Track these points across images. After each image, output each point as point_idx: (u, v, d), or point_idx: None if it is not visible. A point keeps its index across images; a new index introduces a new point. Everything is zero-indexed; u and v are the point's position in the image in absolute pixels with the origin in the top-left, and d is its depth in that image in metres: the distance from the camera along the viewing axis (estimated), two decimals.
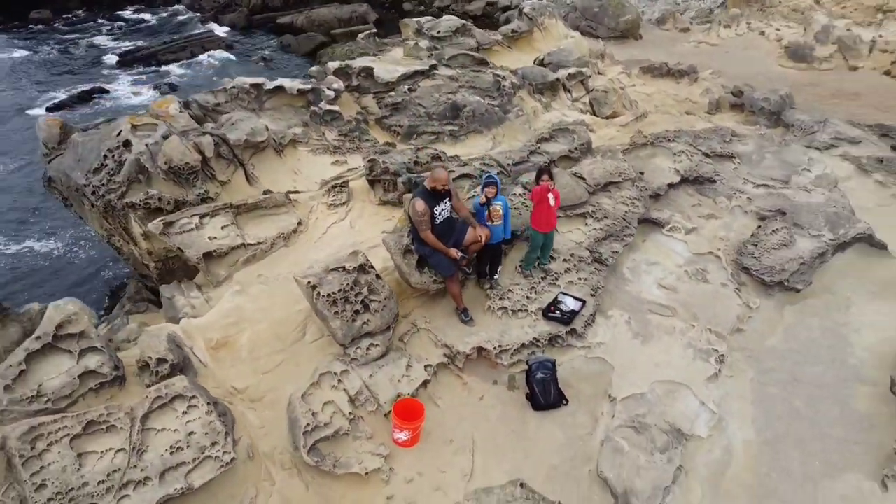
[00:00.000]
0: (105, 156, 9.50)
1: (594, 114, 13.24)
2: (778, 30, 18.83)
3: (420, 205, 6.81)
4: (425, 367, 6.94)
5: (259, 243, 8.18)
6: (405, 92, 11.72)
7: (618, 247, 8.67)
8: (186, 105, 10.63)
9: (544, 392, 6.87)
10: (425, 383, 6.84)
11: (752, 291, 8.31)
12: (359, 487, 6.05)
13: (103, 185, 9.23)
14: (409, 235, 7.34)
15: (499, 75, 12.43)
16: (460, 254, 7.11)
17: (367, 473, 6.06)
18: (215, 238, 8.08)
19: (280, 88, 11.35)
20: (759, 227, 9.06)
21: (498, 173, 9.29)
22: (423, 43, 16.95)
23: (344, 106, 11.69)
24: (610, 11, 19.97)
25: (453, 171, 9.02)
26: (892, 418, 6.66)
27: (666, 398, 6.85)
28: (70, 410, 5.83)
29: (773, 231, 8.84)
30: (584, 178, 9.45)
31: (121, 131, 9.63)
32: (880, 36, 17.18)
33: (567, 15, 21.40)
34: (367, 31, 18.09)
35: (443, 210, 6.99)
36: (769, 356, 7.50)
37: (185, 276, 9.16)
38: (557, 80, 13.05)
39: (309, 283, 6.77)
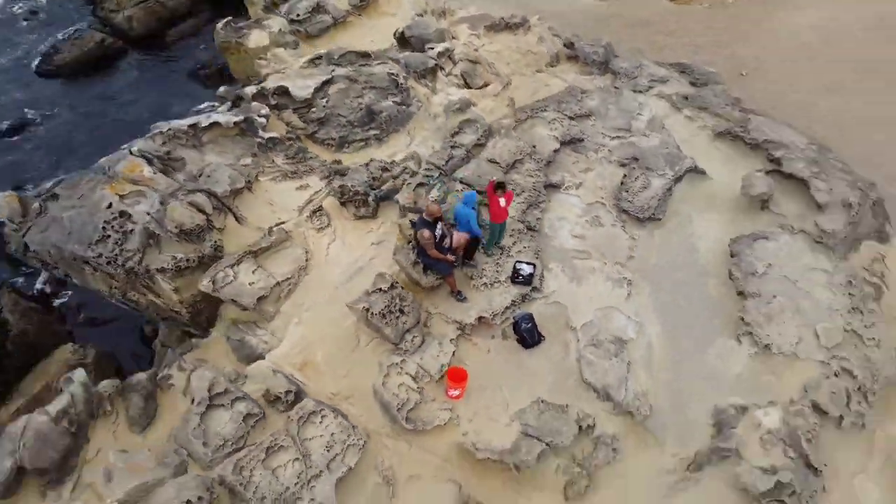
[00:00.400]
0: (104, 228, 10.83)
1: (468, 86, 15.92)
2: None
3: (426, 233, 9.48)
4: (450, 340, 9.91)
5: (288, 278, 10.38)
6: (324, 106, 13.60)
7: (538, 213, 11.90)
8: (147, 160, 11.83)
9: (530, 335, 10.13)
10: (454, 353, 9.85)
11: (633, 226, 11.98)
12: (443, 435, 9.09)
13: (116, 254, 10.64)
14: (414, 251, 10.03)
15: (392, 73, 14.57)
16: (454, 256, 9.96)
17: (445, 424, 9.10)
18: (254, 283, 10.17)
19: (216, 124, 12.78)
20: (625, 175, 12.65)
21: (438, 175, 11.99)
22: (281, 22, 18.31)
23: (272, 127, 13.41)
24: None
25: (409, 182, 11.61)
26: (733, 297, 10.77)
27: (605, 320, 10.43)
28: (248, 445, 8.20)
29: (635, 178, 12.49)
30: (497, 162, 12.42)
31: (111, 203, 10.95)
32: None
33: None
34: (225, 21, 18.77)
35: (438, 231, 9.70)
36: (654, 273, 11.29)
37: (210, 313, 11.15)
38: (436, 64, 15.45)
39: (363, 307, 9.35)
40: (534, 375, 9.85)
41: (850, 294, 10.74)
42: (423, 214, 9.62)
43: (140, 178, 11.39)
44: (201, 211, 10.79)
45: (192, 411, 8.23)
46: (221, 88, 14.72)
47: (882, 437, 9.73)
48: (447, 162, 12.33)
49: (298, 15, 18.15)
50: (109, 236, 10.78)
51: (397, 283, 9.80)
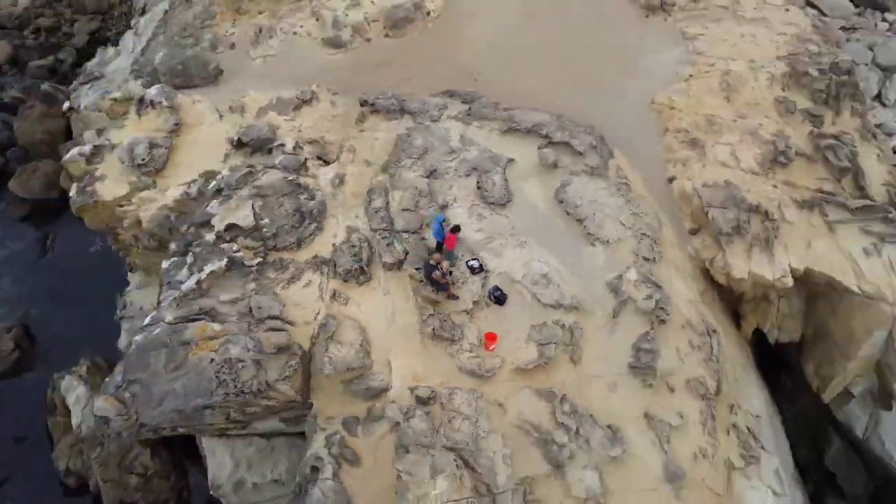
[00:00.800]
0: (218, 376, 14.97)
1: (326, 162, 21.07)
2: (305, 29, 27.20)
3: (437, 273, 15.74)
4: (469, 322, 16.46)
5: (363, 340, 15.74)
6: (270, 224, 18.00)
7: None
8: (209, 317, 15.61)
9: (502, 297, 17.11)
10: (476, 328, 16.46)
11: (501, 210, 19.23)
12: (503, 370, 15.81)
13: (240, 388, 14.90)
14: (427, 284, 16.20)
15: (286, 178, 19.20)
16: (448, 277, 16.35)
17: (501, 364, 15.82)
18: (349, 353, 15.36)
19: (211, 272, 16.71)
20: (477, 181, 19.74)
21: (390, 235, 17.85)
22: (119, 167, 21.38)
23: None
24: (194, 65, 25.42)
25: (382, 247, 17.37)
26: (575, 224, 18.80)
27: (529, 269, 17.73)
28: (438, 426, 14.10)
29: (485, 181, 19.67)
30: (409, 209, 18.64)
31: (212, 359, 15.04)
32: (374, 3, 27.17)
33: (152, 75, 25.99)
34: (74, 187, 20.93)
35: (440, 270, 15.95)
36: (529, 231, 18.74)
37: (307, 390, 16.00)
38: (305, 158, 20.31)
39: (432, 329, 15.47)
40: (516, 316, 16.93)
41: (621, 195, 19.51)
42: (431, 261, 15.84)
43: (215, 333, 15.45)
44: (282, 330, 15.47)
45: (402, 428, 13.84)
46: (173, 245, 18.21)
47: (669, 257, 18.83)
48: (382, 222, 18.22)
49: (143, 159, 21.31)
50: (225, 380, 15.00)
51: (439, 311, 16.03)
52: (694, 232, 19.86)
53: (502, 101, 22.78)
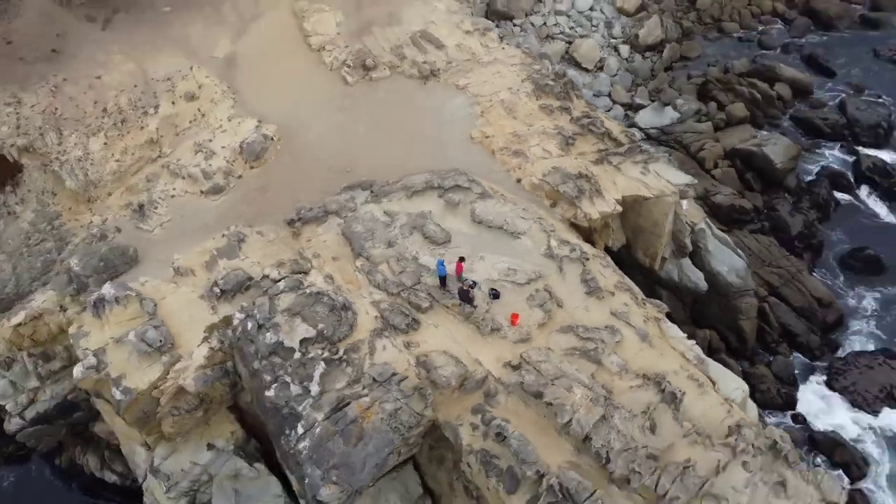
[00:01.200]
0: (391, 426, 21.02)
1: (305, 273, 26.52)
2: (179, 189, 30.70)
3: (471, 293, 23.57)
4: (492, 316, 24.54)
5: (456, 358, 22.83)
6: (324, 326, 23.38)
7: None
8: (351, 398, 20.90)
9: (497, 294, 25.46)
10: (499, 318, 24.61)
11: (450, 245, 27.24)
12: (533, 332, 24.31)
13: (407, 426, 21.12)
14: (463, 304, 23.91)
15: (299, 292, 24.45)
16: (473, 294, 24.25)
17: (529, 329, 24.31)
18: (454, 369, 22.38)
19: (318, 372, 22.00)
20: (423, 234, 27.40)
21: (407, 291, 24.85)
22: (131, 350, 24.72)
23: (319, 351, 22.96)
24: (113, 256, 27.84)
25: (418, 299, 24.30)
26: (501, 231, 27.80)
27: (498, 269, 26.27)
28: (543, 382, 22.22)
29: (429, 231, 27.47)
30: (401, 272, 25.78)
31: (381, 418, 20.99)
32: (223, 147, 31.77)
33: (76, 281, 27.83)
34: (118, 395, 23.25)
35: (471, 294, 23.75)
36: (478, 247, 27.24)
37: None
38: (296, 278, 25.57)
39: (491, 328, 23.32)
40: (513, 299, 25.43)
41: (507, 202, 28.90)
42: (464, 286, 23.57)
43: (369, 404, 21.31)
44: (406, 377, 21.92)
45: (525, 383, 21.50)
46: (266, 377, 22.78)
47: (556, 225, 28.85)
48: (397, 287, 25.11)
49: (160, 341, 24.82)
50: (396, 427, 21.18)
51: (481, 316, 23.83)
52: (553, 205, 30.20)
53: (384, 178, 30.40)
